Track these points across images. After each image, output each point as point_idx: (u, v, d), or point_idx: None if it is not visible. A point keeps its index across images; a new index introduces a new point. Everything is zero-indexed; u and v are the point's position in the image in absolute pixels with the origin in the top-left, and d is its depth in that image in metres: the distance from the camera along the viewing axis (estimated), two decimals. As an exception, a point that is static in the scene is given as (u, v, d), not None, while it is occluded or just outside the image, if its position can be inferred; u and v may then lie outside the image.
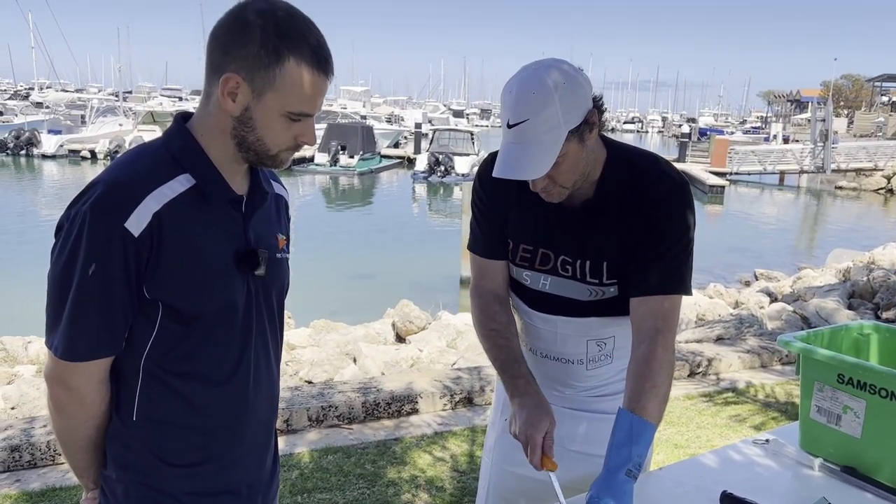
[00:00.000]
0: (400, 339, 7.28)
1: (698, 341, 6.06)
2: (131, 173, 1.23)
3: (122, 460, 1.33)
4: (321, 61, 1.22)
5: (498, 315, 1.72)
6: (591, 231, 1.63)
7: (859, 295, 8.49)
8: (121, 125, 30.75)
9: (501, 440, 1.83)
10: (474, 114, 75.96)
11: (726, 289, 9.78)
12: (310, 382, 5.40)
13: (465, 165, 25.44)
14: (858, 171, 30.01)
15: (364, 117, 41.27)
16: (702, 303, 8.23)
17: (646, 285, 1.59)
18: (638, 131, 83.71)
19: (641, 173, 1.61)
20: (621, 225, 1.60)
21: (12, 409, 4.89)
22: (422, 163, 26.45)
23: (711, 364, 5.29)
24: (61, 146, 29.16)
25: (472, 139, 28.04)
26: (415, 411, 4.32)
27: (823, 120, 28.96)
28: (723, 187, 25.09)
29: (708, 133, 44.35)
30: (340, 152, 27.06)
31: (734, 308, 8.53)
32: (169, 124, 1.33)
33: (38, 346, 6.52)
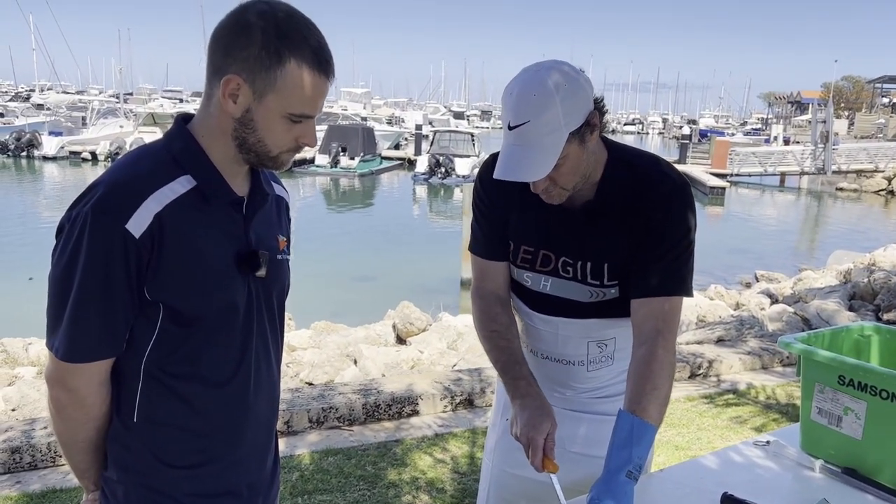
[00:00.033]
0: (400, 340, 7.27)
1: (699, 343, 6.06)
2: (132, 175, 1.23)
3: (123, 462, 1.33)
4: (322, 63, 1.22)
5: (499, 316, 1.72)
6: (592, 232, 1.63)
7: (860, 296, 8.49)
8: (122, 127, 30.76)
9: (502, 442, 1.83)
10: (475, 115, 75.98)
11: (727, 290, 9.78)
12: (310, 384, 5.39)
13: (465, 167, 25.44)
14: (859, 172, 30.00)
15: (365, 119, 41.29)
16: (702, 304, 8.22)
17: (646, 287, 1.59)
18: (638, 133, 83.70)
19: (642, 175, 1.61)
20: (622, 226, 1.60)
21: (13, 410, 4.89)
22: (422, 164, 26.45)
23: (712, 365, 5.29)
24: (62, 148, 29.19)
25: (473, 141, 28.04)
26: (415, 413, 4.32)
27: (824, 121, 28.96)
28: (723, 189, 25.09)
29: (708, 134, 44.32)
30: (341, 154, 27.07)
31: (735, 309, 8.53)
32: (170, 126, 1.33)
33: (38, 348, 6.52)
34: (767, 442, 1.85)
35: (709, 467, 1.76)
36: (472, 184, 1.82)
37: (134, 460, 1.32)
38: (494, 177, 1.51)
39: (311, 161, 27.07)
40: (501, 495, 1.85)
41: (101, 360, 1.25)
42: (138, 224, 1.18)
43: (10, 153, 29.37)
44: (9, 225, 16.27)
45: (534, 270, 1.70)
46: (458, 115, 59.68)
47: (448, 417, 4.32)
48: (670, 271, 1.58)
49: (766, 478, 1.71)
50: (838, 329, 1.91)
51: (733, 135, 50.69)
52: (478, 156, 26.43)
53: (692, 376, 5.19)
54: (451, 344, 6.71)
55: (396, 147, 34.91)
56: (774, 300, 9.19)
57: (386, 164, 30.32)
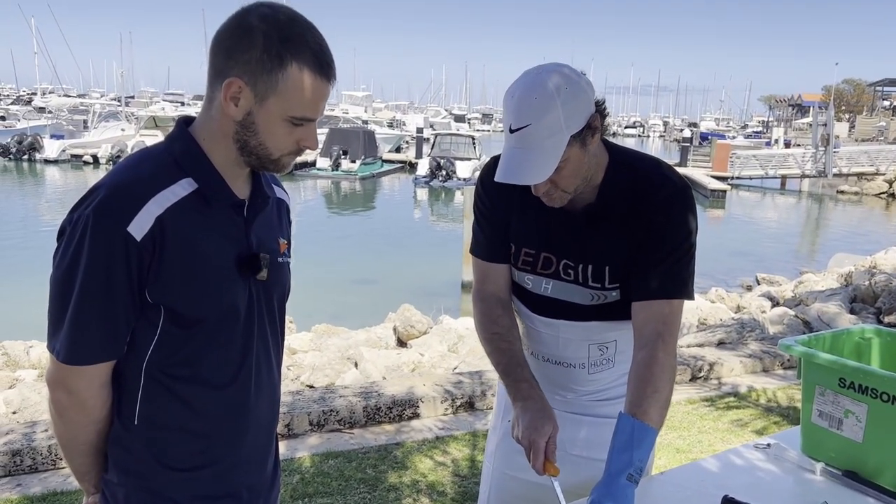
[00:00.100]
0: (401, 343, 7.28)
1: (700, 345, 6.06)
2: (134, 177, 1.23)
3: (124, 464, 1.33)
4: (323, 66, 1.23)
5: (500, 319, 1.72)
6: (593, 235, 1.63)
7: (861, 299, 8.49)
8: (123, 130, 30.82)
9: (503, 444, 1.83)
10: (476, 118, 76.04)
11: (728, 293, 9.78)
12: (311, 387, 5.40)
13: (466, 170, 25.45)
14: (860, 175, 30.00)
15: (366, 122, 41.36)
16: (703, 307, 8.22)
17: (647, 289, 1.59)
18: (639, 136, 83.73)
19: (644, 177, 1.61)
20: (623, 229, 1.60)
21: (14, 413, 4.89)
22: (423, 167, 26.47)
23: (713, 368, 5.28)
24: (64, 151, 29.25)
25: (474, 144, 28.07)
26: (416, 416, 4.31)
27: (825, 124, 28.99)
28: (724, 191, 25.11)
29: (709, 137, 44.34)
30: (342, 157, 27.10)
31: (736, 312, 8.53)
32: (171, 129, 1.33)
33: (39, 351, 6.53)
34: (768, 445, 1.85)
35: (709, 470, 1.76)
36: (473, 187, 1.82)
37: (134, 463, 1.32)
38: (496, 180, 1.51)
39: (313, 164, 27.11)
40: (502, 498, 1.85)
41: (103, 363, 1.25)
42: (140, 227, 1.19)
43: (11, 156, 29.43)
44: (10, 228, 16.29)
45: (535, 273, 1.70)
46: (459, 119, 59.75)
47: (449, 420, 4.32)
48: (671, 274, 1.58)
49: (766, 481, 1.71)
50: (839, 332, 1.91)
51: (734, 138, 50.77)
52: (479, 159, 26.44)
53: (693, 379, 5.19)
54: (452, 347, 6.71)
55: (397, 150, 34.95)
56: (775, 303, 9.19)
57: (387, 167, 30.36)
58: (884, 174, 29.45)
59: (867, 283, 8.73)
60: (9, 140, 29.89)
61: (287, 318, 1.54)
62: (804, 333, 2.75)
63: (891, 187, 28.69)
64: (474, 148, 27.68)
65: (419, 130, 35.12)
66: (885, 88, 62.66)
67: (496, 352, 1.69)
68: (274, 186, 1.46)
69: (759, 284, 11.81)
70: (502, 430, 1.83)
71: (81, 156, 29.09)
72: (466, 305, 9.89)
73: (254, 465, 1.45)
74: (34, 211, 19.75)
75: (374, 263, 13.89)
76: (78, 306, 1.20)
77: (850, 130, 49.46)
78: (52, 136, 30.19)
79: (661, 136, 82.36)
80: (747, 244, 17.48)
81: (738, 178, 29.22)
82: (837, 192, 29.51)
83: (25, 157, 29.39)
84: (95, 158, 28.58)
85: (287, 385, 5.39)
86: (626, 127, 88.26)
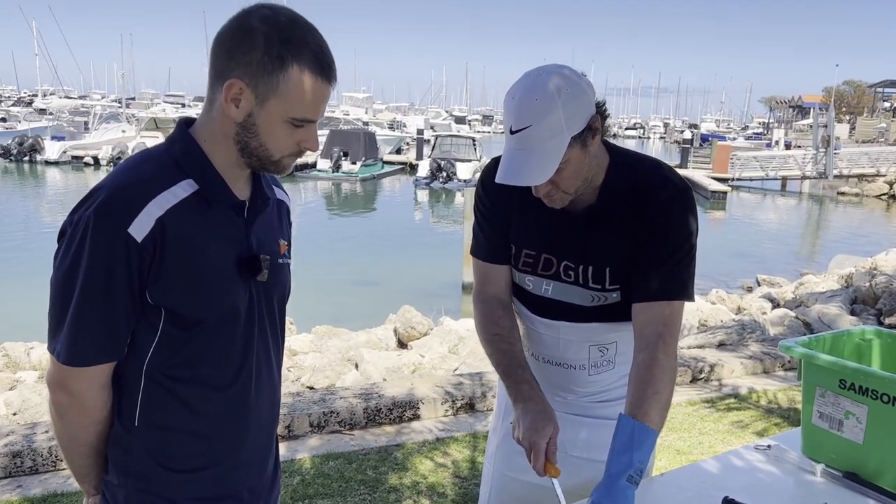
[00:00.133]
0: (402, 344, 7.28)
1: (700, 347, 6.05)
2: (134, 179, 1.23)
3: (124, 466, 1.33)
4: (324, 68, 1.23)
5: (501, 320, 1.72)
6: (593, 236, 1.63)
7: (862, 301, 8.48)
8: (124, 132, 30.84)
9: (503, 446, 1.83)
10: (476, 120, 76.07)
11: (728, 294, 9.78)
12: (311, 388, 5.40)
13: (467, 171, 25.46)
14: (860, 176, 30.00)
15: (366, 123, 41.36)
16: (704, 308, 8.22)
17: (648, 291, 1.59)
18: (640, 137, 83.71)
19: (644, 179, 1.61)
20: (624, 230, 1.61)
21: (14, 414, 4.90)
22: (424, 169, 26.48)
23: (714, 370, 5.28)
24: (64, 152, 29.29)
25: (475, 145, 28.09)
26: (416, 417, 4.31)
27: (825, 126, 28.98)
28: (725, 193, 25.11)
29: (710, 139, 44.37)
30: (343, 158, 27.11)
31: (736, 314, 8.52)
32: (171, 130, 1.33)
33: (40, 352, 6.53)
34: (768, 446, 1.85)
35: (710, 471, 1.76)
36: (474, 188, 1.82)
37: (135, 464, 1.32)
38: (496, 181, 1.51)
39: (313, 165, 27.11)
40: (503, 500, 1.85)
41: (103, 364, 1.25)
42: (140, 228, 1.19)
43: (12, 158, 29.46)
44: (11, 229, 16.30)
45: (535, 274, 1.70)
46: (460, 120, 59.79)
47: (449, 422, 4.32)
48: (672, 275, 1.58)
49: (767, 482, 1.71)
50: (839, 333, 1.91)
51: (735, 139, 50.79)
52: (479, 160, 26.45)
53: (694, 380, 5.18)
54: (453, 348, 6.71)
55: (398, 152, 34.96)
56: (776, 304, 9.19)
57: (387, 168, 30.36)
58: (884, 175, 29.44)
59: (868, 284, 8.73)
60: (9, 141, 29.92)
61: (287, 319, 1.54)
62: (805, 335, 2.75)
63: (891, 189, 28.68)
64: (475, 149, 27.69)
65: (420, 132, 35.12)
66: (886, 90, 62.70)
67: (497, 353, 1.69)
68: (274, 188, 1.46)
69: (759, 286, 11.81)
70: (503, 432, 1.83)
71: (82, 157, 29.13)
72: (467, 307, 9.89)
73: (254, 466, 1.45)
74: (35, 212, 19.77)
75: (375, 265, 13.90)
76: (78, 307, 1.20)
77: (850, 132, 49.46)
78: (52, 138, 30.23)
79: (661, 137, 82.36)
80: (748, 245, 17.48)
81: (738, 179, 29.23)
82: (838, 193, 29.50)
83: (26, 158, 29.42)
84: (96, 160, 28.61)
85: (287, 386, 5.39)
86: (626, 128, 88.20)
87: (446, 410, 4.40)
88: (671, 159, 31.13)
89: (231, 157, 1.28)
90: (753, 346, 5.93)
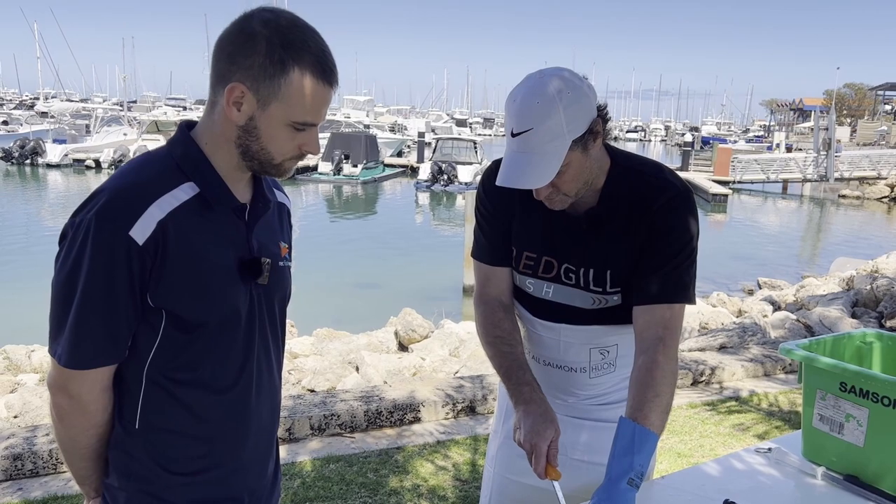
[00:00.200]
0: (402, 347, 7.28)
1: (701, 350, 6.05)
2: (136, 181, 1.24)
3: (125, 468, 1.33)
4: (326, 71, 1.23)
5: (502, 322, 1.72)
6: (594, 239, 1.63)
7: (863, 303, 8.48)
8: (125, 134, 30.89)
9: (504, 448, 1.83)
10: (477, 123, 76.04)
11: (729, 297, 9.77)
12: (312, 391, 5.39)
13: (468, 174, 25.48)
14: (861, 179, 30.00)
15: (367, 126, 41.41)
16: (705, 311, 8.22)
17: (649, 294, 1.59)
18: (641, 140, 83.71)
19: (646, 182, 1.61)
20: (625, 233, 1.61)
21: (15, 417, 4.90)
22: (425, 172, 26.49)
23: (714, 373, 5.28)
24: (66, 155, 29.33)
25: (476, 148, 28.10)
26: (417, 420, 4.31)
27: (826, 129, 28.99)
28: (726, 196, 25.10)
29: (711, 142, 44.39)
30: (344, 161, 27.12)
31: (737, 317, 8.51)
32: (173, 133, 1.33)
33: (41, 355, 6.53)
34: (769, 449, 1.85)
35: (711, 474, 1.76)
36: (475, 191, 1.82)
37: (136, 467, 1.32)
38: (497, 184, 1.51)
39: (314, 168, 27.12)
40: (503, 502, 1.85)
41: (104, 367, 1.25)
42: (142, 231, 1.19)
43: (14, 161, 29.50)
44: (12, 232, 16.31)
45: (536, 277, 1.70)
46: (461, 123, 59.82)
47: (450, 424, 4.32)
48: (673, 278, 1.58)
49: (767, 485, 1.71)
50: (840, 336, 1.91)
51: (735, 142, 50.80)
52: (480, 163, 26.47)
53: (694, 383, 5.18)
54: (454, 351, 6.70)
55: (399, 154, 34.98)
56: (777, 307, 9.19)
57: (388, 171, 30.37)
58: (885, 178, 29.45)
59: (869, 287, 8.72)
60: (11, 144, 29.96)
61: (288, 322, 1.55)
62: (806, 338, 2.76)
63: (892, 191, 28.67)
64: (476, 152, 27.71)
65: (421, 135, 35.16)
66: (887, 93, 62.74)
67: (498, 355, 1.69)
68: (275, 190, 1.46)
69: (760, 289, 11.81)
70: (503, 434, 1.83)
71: (84, 160, 29.16)
72: (468, 309, 9.89)
73: (255, 469, 1.45)
74: (36, 215, 19.79)
75: (376, 268, 13.90)
76: (80, 310, 1.20)
77: (851, 135, 49.46)
78: (54, 141, 30.27)
79: (662, 140, 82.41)
80: (749, 248, 17.48)
81: (739, 182, 29.23)
82: (839, 196, 29.48)
83: (28, 161, 29.45)
84: (98, 163, 28.64)
85: (288, 389, 5.39)
86: (627, 131, 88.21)
87: (447, 413, 4.40)
88: (672, 162, 31.14)
89: (232, 160, 1.28)
90: (754, 349, 5.93)
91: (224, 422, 1.35)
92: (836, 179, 29.27)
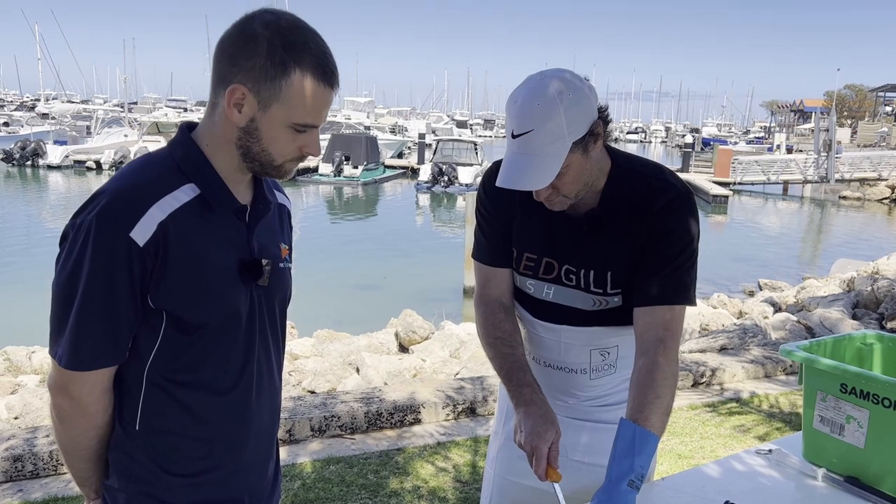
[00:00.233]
0: (403, 348, 7.28)
1: (702, 351, 6.05)
2: (136, 183, 1.24)
3: (125, 470, 1.33)
4: (327, 73, 1.23)
5: (503, 323, 1.72)
6: (595, 240, 1.63)
7: (864, 305, 8.47)
8: (126, 136, 30.91)
9: (504, 450, 1.83)
10: (478, 124, 76.02)
11: (730, 299, 9.77)
12: (312, 392, 5.39)
13: (468, 176, 25.48)
14: (862, 180, 30.00)
15: (368, 128, 41.38)
16: (705, 313, 8.21)
17: (649, 295, 1.59)
18: (641, 141, 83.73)
19: (646, 183, 1.61)
20: (626, 235, 1.61)
21: (15, 418, 4.90)
22: (425, 173, 26.50)
23: (715, 374, 5.27)
24: (67, 157, 29.34)
25: (476, 149, 28.11)
26: (417, 421, 4.31)
27: (827, 130, 28.98)
28: (726, 197, 25.11)
29: (711, 143, 44.39)
30: (344, 163, 27.13)
31: (738, 318, 8.51)
32: (174, 135, 1.34)
33: (41, 356, 6.53)
34: (770, 450, 1.85)
35: (711, 476, 1.75)
36: (475, 192, 1.82)
37: (136, 468, 1.32)
38: (497, 185, 1.51)
39: (315, 170, 27.14)
40: (503, 504, 1.85)
41: (104, 368, 1.26)
42: (142, 232, 1.19)
43: (15, 162, 29.51)
44: (13, 233, 16.32)
45: (536, 278, 1.70)
46: (461, 124, 59.79)
47: (450, 426, 4.32)
48: (673, 280, 1.58)
49: (768, 486, 1.70)
50: (840, 337, 1.91)
51: (736, 143, 50.75)
52: (480, 164, 26.48)
53: (695, 385, 5.18)
54: (454, 352, 6.70)
55: (399, 156, 34.99)
56: (777, 309, 9.18)
57: (389, 172, 30.39)
58: (886, 179, 29.45)
59: (869, 288, 8.71)
60: (12, 146, 29.97)
61: (288, 323, 1.55)
62: (806, 339, 2.75)
63: (893, 193, 28.68)
64: (476, 154, 27.72)
65: (421, 136, 35.17)
66: (887, 94, 62.75)
67: (498, 356, 1.69)
68: (276, 192, 1.46)
69: (761, 290, 11.80)
70: (504, 436, 1.83)
71: (84, 161, 29.18)
72: (468, 311, 9.88)
73: (255, 470, 1.45)
74: (37, 217, 19.80)
75: (376, 269, 13.90)
76: (80, 312, 1.20)
77: (852, 136, 49.46)
78: (55, 142, 30.27)
79: (662, 141, 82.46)
80: (749, 250, 17.47)
81: (740, 183, 29.23)
82: (840, 197, 29.49)
83: (29, 162, 29.46)
84: (98, 164, 28.66)
85: (288, 390, 5.39)
86: (627, 133, 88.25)
87: (447, 414, 4.40)
88: (672, 163, 31.15)
89: (233, 161, 1.28)
90: (755, 351, 5.92)
91: (224, 423, 1.35)
92: (837, 181, 29.28)
